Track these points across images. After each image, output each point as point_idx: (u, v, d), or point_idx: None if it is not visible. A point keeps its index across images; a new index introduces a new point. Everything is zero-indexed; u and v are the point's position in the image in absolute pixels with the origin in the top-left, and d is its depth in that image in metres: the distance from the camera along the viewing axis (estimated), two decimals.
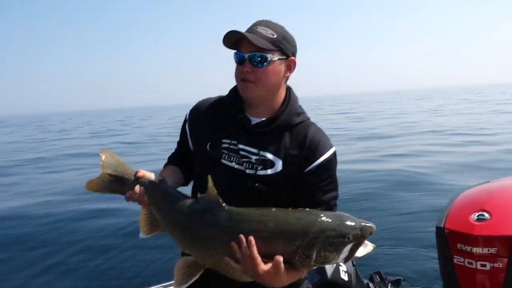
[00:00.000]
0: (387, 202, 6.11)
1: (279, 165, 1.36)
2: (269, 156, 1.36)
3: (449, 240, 2.00)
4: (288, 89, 1.46)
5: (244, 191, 1.34)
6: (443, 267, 2.08)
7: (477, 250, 1.89)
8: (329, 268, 2.30)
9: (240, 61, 1.35)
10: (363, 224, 1.19)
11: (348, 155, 10.37)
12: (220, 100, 1.51)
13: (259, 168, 1.35)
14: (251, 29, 1.34)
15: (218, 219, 1.23)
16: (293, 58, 1.40)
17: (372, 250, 1.20)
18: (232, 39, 1.34)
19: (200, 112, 1.50)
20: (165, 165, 1.60)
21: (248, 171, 1.36)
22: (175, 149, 1.64)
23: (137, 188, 1.34)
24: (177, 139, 1.63)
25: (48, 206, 7.06)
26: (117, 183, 1.41)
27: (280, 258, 1.13)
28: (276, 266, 1.14)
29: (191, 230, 1.29)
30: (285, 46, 1.36)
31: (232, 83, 1.45)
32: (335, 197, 1.40)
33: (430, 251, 4.03)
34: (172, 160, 1.61)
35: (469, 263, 1.91)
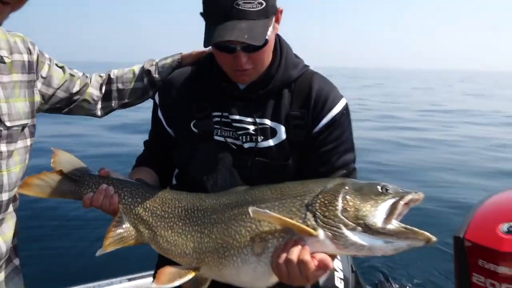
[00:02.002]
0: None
1: (281, 132, 1.18)
2: (268, 122, 1.18)
3: (468, 254, 1.74)
4: (277, 37, 1.22)
5: (244, 169, 1.17)
6: (459, 284, 1.82)
7: (503, 269, 1.60)
8: None
9: (229, 51, 1.10)
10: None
11: None
12: (194, 72, 1.29)
13: (259, 140, 1.17)
14: (233, 9, 1.02)
15: (237, 203, 1.08)
16: (280, 8, 1.15)
17: (431, 242, 0.94)
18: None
19: (173, 89, 1.28)
20: (133, 168, 1.36)
21: (246, 145, 1.18)
22: (145, 149, 1.39)
23: (104, 186, 1.14)
24: None
25: None
26: (74, 183, 1.19)
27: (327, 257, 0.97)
28: (324, 262, 0.97)
29: (199, 225, 1.09)
30: (273, 5, 1.10)
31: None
32: (353, 160, 1.22)
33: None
34: (141, 161, 1.36)
35: (491, 284, 1.64)
